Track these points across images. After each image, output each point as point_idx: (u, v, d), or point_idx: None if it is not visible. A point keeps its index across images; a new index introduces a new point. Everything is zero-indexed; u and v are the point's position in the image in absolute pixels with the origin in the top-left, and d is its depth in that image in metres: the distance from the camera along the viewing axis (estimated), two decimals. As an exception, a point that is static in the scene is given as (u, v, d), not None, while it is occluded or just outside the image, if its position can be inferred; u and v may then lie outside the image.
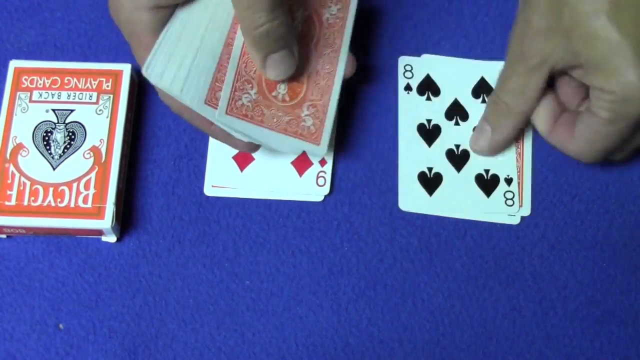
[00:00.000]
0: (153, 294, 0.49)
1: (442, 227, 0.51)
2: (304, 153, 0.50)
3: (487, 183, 0.51)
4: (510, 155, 0.52)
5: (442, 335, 0.49)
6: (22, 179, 0.49)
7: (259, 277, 0.50)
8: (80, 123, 0.50)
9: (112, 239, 0.50)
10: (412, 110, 0.53)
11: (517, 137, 0.52)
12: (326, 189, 0.51)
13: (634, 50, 0.42)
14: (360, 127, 0.53)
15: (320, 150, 0.47)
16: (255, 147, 0.47)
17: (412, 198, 0.51)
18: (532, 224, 0.51)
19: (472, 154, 0.52)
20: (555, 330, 0.49)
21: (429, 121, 0.52)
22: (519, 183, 0.51)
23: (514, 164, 0.51)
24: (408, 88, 0.53)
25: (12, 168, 0.49)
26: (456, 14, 0.56)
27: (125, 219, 0.50)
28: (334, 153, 0.52)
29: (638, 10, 0.42)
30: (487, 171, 0.51)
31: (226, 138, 0.46)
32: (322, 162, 0.51)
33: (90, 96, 0.51)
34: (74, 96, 0.51)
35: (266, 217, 0.51)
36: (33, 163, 0.49)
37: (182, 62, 0.43)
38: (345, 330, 0.49)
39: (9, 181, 0.48)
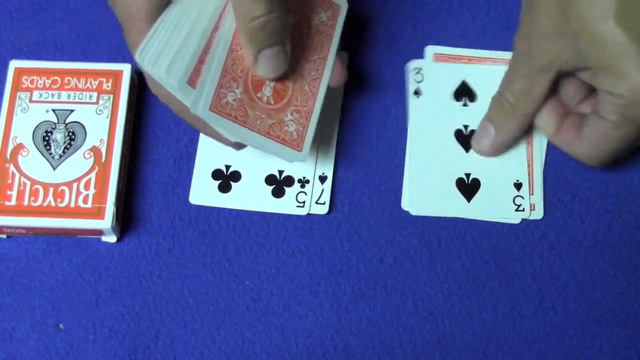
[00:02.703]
0: (153, 294, 0.49)
1: (442, 227, 0.51)
2: None
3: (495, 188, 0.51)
4: (521, 159, 0.51)
5: (442, 335, 0.49)
6: (22, 179, 0.49)
7: (259, 277, 0.50)
8: (80, 123, 0.50)
9: (112, 239, 0.50)
10: (424, 113, 0.52)
11: (522, 139, 0.51)
12: (326, 196, 0.51)
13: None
14: (360, 127, 0.53)
15: (302, 156, 0.47)
16: (243, 145, 0.46)
17: (420, 199, 0.51)
18: (532, 224, 0.51)
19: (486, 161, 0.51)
20: (555, 330, 0.49)
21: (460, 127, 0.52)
22: (529, 186, 0.51)
23: (524, 168, 0.51)
24: (417, 92, 0.53)
25: (12, 168, 0.49)
26: (456, 15, 0.56)
27: (125, 219, 0.50)
28: (335, 158, 0.52)
29: None
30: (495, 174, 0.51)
31: (217, 135, 0.45)
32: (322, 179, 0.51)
33: (90, 96, 0.51)
34: (74, 96, 0.51)
35: (266, 217, 0.51)
36: (33, 163, 0.49)
37: (178, 51, 0.42)
38: (345, 330, 0.49)
39: (9, 181, 0.48)
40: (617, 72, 0.42)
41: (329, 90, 0.48)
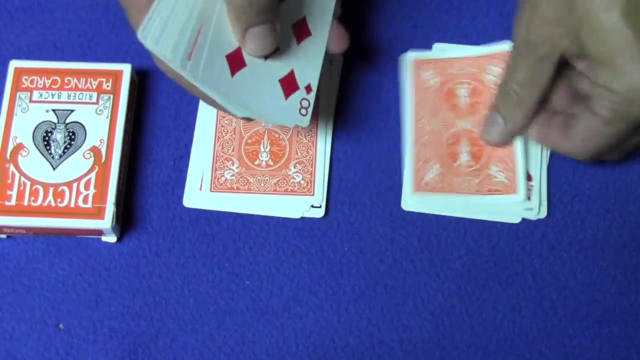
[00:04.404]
0: (153, 294, 0.49)
1: (442, 227, 0.51)
2: None
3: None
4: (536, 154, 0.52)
5: (442, 335, 0.49)
6: (22, 179, 0.49)
7: (259, 277, 0.50)
8: (80, 123, 0.50)
9: (112, 239, 0.50)
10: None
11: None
12: (307, 119, 0.48)
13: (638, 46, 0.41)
14: (360, 127, 0.53)
15: (304, 120, 0.46)
16: (251, 119, 0.45)
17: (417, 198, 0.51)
18: (532, 224, 0.51)
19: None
20: (555, 330, 0.49)
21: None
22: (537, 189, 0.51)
23: (538, 162, 0.51)
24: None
25: (12, 168, 0.49)
26: (456, 14, 0.56)
27: (125, 219, 0.50)
28: (331, 155, 0.52)
29: None
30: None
31: (220, 106, 0.44)
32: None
33: (90, 96, 0.51)
34: (74, 96, 0.51)
35: (266, 218, 0.51)
36: (33, 163, 0.49)
37: (181, 27, 0.41)
38: (345, 330, 0.49)
39: (9, 181, 0.48)
40: (614, 67, 0.42)
41: (324, 81, 0.47)
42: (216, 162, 0.43)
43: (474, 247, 0.50)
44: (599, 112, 0.43)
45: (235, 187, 0.45)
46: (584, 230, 0.51)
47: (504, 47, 0.52)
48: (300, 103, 0.46)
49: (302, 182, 0.47)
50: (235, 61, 0.43)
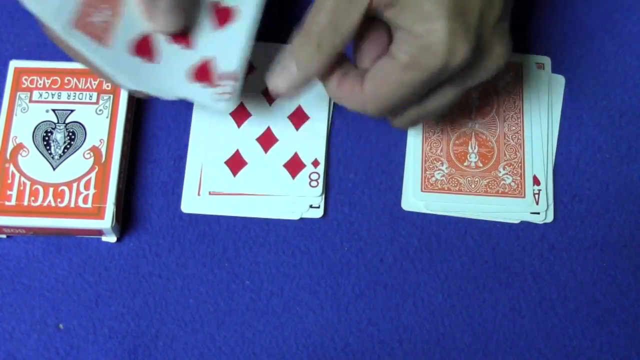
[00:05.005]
0: (153, 294, 0.49)
1: (442, 227, 0.51)
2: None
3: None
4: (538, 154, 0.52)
5: (442, 335, 0.49)
6: (22, 179, 0.49)
7: (259, 277, 0.50)
8: (80, 123, 0.50)
9: (112, 239, 0.50)
10: None
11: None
12: (319, 190, 0.51)
13: (453, 0, 0.39)
14: (360, 126, 0.53)
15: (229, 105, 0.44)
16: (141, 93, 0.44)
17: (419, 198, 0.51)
18: (531, 224, 0.51)
19: (497, 155, 0.52)
20: (555, 330, 0.49)
21: None
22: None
23: (542, 171, 0.51)
24: None
25: (12, 168, 0.49)
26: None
27: (125, 219, 0.50)
28: (327, 153, 0.52)
29: None
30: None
31: (105, 75, 0.42)
32: (315, 163, 0.51)
33: (90, 96, 0.51)
34: (74, 96, 0.51)
35: (266, 218, 0.51)
36: (33, 163, 0.49)
37: None
38: (345, 330, 0.49)
39: (9, 181, 0.48)
40: (421, 11, 0.40)
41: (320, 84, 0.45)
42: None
43: (474, 247, 0.50)
44: (398, 55, 0.41)
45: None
46: (584, 230, 0.51)
47: (515, 58, 0.53)
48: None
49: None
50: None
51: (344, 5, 0.42)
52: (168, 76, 0.43)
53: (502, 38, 0.42)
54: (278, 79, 0.44)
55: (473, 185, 0.50)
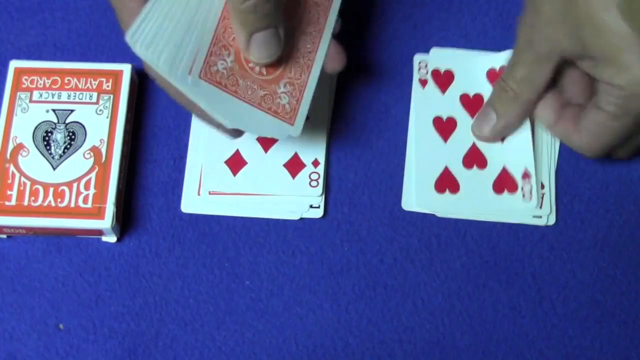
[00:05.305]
0: (153, 294, 0.49)
1: (442, 227, 0.51)
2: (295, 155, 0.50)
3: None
4: (528, 153, 0.51)
5: (442, 335, 0.49)
6: (22, 179, 0.49)
7: (259, 277, 0.50)
8: (80, 123, 0.50)
9: (112, 239, 0.50)
10: (426, 106, 0.53)
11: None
12: (319, 190, 0.50)
13: None
14: (360, 126, 0.53)
15: (294, 130, 0.45)
16: (239, 132, 0.44)
17: (420, 198, 0.51)
18: (532, 225, 0.51)
19: (486, 154, 0.52)
20: (555, 330, 0.49)
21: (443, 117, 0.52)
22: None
23: (532, 162, 0.51)
24: (422, 84, 0.53)
25: (12, 168, 0.49)
26: (456, 15, 0.56)
27: (125, 219, 0.50)
28: (327, 153, 0.52)
29: None
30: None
31: (209, 119, 0.43)
32: (315, 163, 0.51)
33: (91, 96, 0.51)
34: (74, 96, 0.51)
35: (266, 218, 0.51)
36: (33, 163, 0.49)
37: (171, 34, 0.40)
38: (345, 330, 0.49)
39: (9, 181, 0.48)
40: (617, 63, 0.42)
41: (320, 83, 0.46)
42: (214, 45, 0.41)
43: (474, 247, 0.50)
44: (605, 107, 0.44)
45: (223, 84, 0.42)
46: (584, 230, 0.51)
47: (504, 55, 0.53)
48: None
49: (287, 106, 0.45)
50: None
51: (537, 59, 0.46)
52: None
53: None
54: (482, 125, 0.51)
55: (250, 92, 0.44)
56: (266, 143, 0.51)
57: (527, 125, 0.51)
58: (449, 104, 0.52)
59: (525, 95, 0.48)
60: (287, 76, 0.45)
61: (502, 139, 0.52)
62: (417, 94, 0.53)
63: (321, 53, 0.46)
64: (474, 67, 0.53)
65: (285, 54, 0.44)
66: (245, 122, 0.43)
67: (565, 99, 0.49)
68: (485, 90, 0.52)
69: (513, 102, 0.49)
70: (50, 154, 0.49)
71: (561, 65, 0.47)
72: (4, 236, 0.50)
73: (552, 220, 0.51)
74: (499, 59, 0.53)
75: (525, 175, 0.51)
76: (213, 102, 0.42)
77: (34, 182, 0.49)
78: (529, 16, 0.46)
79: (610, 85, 0.43)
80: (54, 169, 0.49)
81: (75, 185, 0.49)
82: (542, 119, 0.49)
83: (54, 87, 0.51)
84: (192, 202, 0.50)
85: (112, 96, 0.51)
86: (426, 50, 0.54)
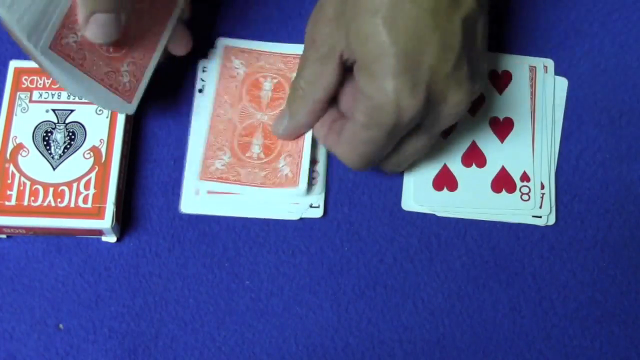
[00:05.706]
0: (153, 294, 0.49)
1: (442, 227, 0.51)
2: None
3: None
4: (527, 153, 0.51)
5: (442, 335, 0.49)
6: (22, 179, 0.49)
7: (259, 277, 0.50)
8: (80, 123, 0.50)
9: (112, 239, 0.50)
10: None
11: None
12: (319, 190, 0.51)
13: (397, 60, 0.40)
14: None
15: (131, 108, 0.48)
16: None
17: (418, 195, 0.51)
18: (531, 224, 0.51)
19: (486, 153, 0.52)
20: (555, 330, 0.49)
21: None
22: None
23: (531, 165, 0.51)
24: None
25: (12, 168, 0.49)
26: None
27: (125, 219, 0.50)
28: (327, 153, 0.52)
29: (413, 21, 0.40)
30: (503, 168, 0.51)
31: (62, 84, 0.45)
32: (315, 163, 0.51)
33: (90, 96, 0.51)
34: (74, 96, 0.51)
35: (266, 217, 0.51)
36: (33, 163, 0.49)
37: (33, 1, 0.42)
38: (345, 330, 0.49)
39: (9, 181, 0.48)
40: (370, 71, 0.41)
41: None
42: (67, 19, 0.43)
43: (474, 247, 0.51)
44: (357, 116, 0.43)
45: (72, 57, 0.44)
46: (584, 230, 0.51)
47: (518, 60, 0.53)
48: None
49: (127, 84, 0.47)
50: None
51: (320, 59, 0.45)
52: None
53: (458, 87, 0.42)
54: (277, 125, 0.49)
55: (95, 67, 0.46)
56: None
57: (527, 127, 0.51)
58: None
59: (313, 95, 0.46)
60: (130, 56, 0.47)
61: (502, 140, 0.52)
62: None
63: (165, 37, 0.48)
64: None
65: (132, 35, 0.47)
66: (87, 94, 0.46)
67: (342, 110, 0.47)
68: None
69: (302, 101, 0.47)
70: (50, 154, 0.49)
71: (345, 64, 0.45)
72: (4, 236, 0.50)
73: (552, 220, 0.51)
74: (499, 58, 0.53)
75: (524, 178, 0.51)
76: (60, 73, 0.44)
77: (33, 182, 0.49)
78: (315, 14, 0.45)
79: (362, 93, 0.42)
80: (54, 169, 0.49)
81: (75, 185, 0.49)
82: (315, 131, 0.48)
83: (53, 87, 0.51)
84: (192, 202, 0.50)
85: (112, 96, 0.51)
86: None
